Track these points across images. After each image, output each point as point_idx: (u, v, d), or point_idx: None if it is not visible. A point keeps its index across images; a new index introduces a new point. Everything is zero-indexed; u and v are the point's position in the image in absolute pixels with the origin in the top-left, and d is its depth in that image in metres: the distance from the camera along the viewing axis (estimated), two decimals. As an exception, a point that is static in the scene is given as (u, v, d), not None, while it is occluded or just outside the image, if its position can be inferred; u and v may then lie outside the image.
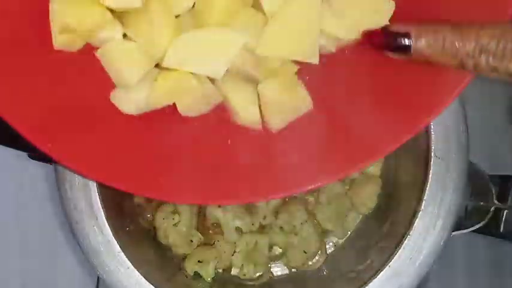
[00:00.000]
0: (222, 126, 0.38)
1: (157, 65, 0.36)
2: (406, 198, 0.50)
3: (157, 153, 0.37)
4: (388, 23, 0.35)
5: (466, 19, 0.33)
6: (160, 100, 0.36)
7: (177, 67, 0.34)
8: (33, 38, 0.35)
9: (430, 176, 0.46)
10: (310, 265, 0.55)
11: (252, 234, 0.54)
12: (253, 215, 0.54)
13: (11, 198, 0.60)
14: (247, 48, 0.34)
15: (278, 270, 0.56)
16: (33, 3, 0.34)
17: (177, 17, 0.35)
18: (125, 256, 0.45)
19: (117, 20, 0.35)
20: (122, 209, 0.51)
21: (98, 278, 0.57)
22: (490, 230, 0.51)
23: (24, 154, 0.52)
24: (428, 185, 0.46)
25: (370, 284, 0.45)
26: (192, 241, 0.53)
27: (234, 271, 0.55)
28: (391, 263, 0.45)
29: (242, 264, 0.54)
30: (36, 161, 0.53)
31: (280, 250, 0.56)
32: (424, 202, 0.46)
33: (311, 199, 0.56)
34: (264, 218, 0.54)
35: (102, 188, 0.46)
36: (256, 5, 0.35)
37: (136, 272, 0.45)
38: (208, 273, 0.52)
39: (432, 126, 0.45)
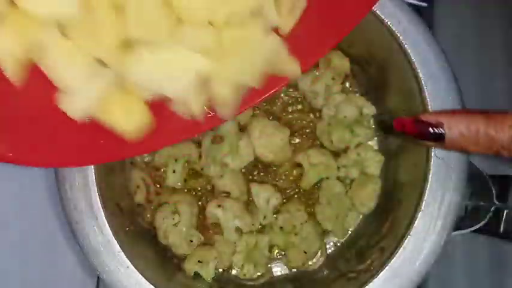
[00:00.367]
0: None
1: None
2: (406, 198, 0.50)
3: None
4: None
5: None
6: None
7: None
8: None
9: (430, 176, 0.46)
10: (310, 265, 0.55)
11: (252, 234, 0.54)
12: (253, 215, 0.54)
13: (12, 198, 0.60)
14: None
15: (278, 270, 0.56)
16: None
17: None
18: (124, 256, 0.45)
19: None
20: (121, 209, 0.51)
21: (98, 277, 0.57)
22: (490, 230, 0.51)
23: (24, 154, 0.52)
24: (428, 185, 0.46)
25: (370, 284, 0.45)
26: (191, 241, 0.53)
27: (234, 271, 0.55)
28: (391, 263, 0.45)
29: (242, 264, 0.54)
30: (37, 161, 0.53)
31: (281, 250, 0.56)
32: (424, 202, 0.46)
33: (311, 199, 0.56)
34: (264, 218, 0.54)
35: (103, 188, 0.46)
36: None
37: (136, 271, 0.45)
38: (208, 273, 0.52)
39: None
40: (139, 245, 0.51)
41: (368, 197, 0.54)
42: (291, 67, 0.37)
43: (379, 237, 0.51)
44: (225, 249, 0.53)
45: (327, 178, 0.55)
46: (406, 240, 0.45)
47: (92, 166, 0.46)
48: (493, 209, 0.50)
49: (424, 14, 0.61)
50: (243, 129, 0.55)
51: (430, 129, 0.34)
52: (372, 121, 0.56)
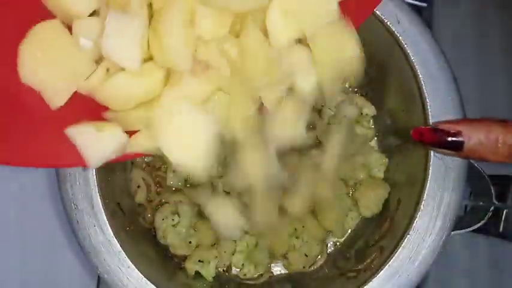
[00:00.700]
0: None
1: None
2: (406, 198, 0.50)
3: None
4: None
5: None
6: None
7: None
8: None
9: (429, 176, 0.46)
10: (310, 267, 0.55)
11: (252, 235, 0.54)
12: (253, 215, 0.54)
13: (12, 198, 0.60)
14: None
15: (278, 269, 0.56)
16: None
17: None
18: (125, 255, 0.45)
19: None
20: (122, 209, 0.51)
21: (99, 277, 0.57)
22: (489, 229, 0.51)
23: (25, 154, 0.52)
24: (427, 185, 0.46)
25: (370, 284, 0.45)
26: (190, 242, 0.53)
27: (234, 271, 0.55)
28: (390, 262, 0.45)
29: (242, 264, 0.54)
30: (37, 161, 0.53)
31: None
32: (423, 202, 0.46)
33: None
34: (264, 217, 0.54)
35: (103, 187, 0.46)
36: None
37: (137, 271, 0.45)
38: (209, 272, 0.52)
39: (432, 126, 0.45)
40: (140, 244, 0.51)
41: (374, 201, 0.54)
42: None
43: (378, 236, 0.51)
44: (225, 249, 0.53)
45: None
46: (406, 240, 0.45)
47: (93, 166, 0.46)
48: (492, 208, 0.50)
49: (424, 14, 0.61)
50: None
51: (449, 138, 0.33)
52: (371, 121, 0.57)
